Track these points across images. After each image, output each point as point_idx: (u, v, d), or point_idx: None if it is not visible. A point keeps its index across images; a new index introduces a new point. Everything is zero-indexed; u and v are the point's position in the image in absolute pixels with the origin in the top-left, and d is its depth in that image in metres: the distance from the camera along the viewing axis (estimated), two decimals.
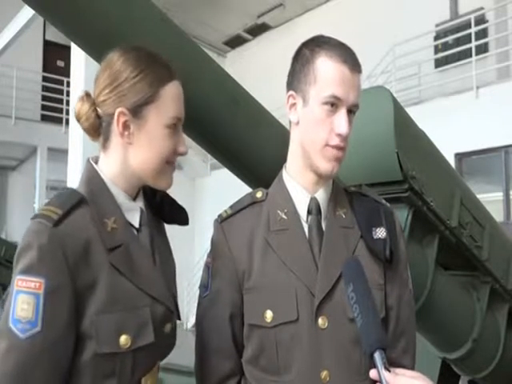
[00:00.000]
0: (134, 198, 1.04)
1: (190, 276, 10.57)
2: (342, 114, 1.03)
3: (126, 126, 0.98)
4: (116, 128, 0.98)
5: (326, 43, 1.06)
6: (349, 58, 1.04)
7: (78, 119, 1.01)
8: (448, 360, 2.02)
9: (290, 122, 1.12)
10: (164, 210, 1.12)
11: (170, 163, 1.03)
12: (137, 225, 1.02)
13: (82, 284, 0.90)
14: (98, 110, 0.99)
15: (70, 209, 0.92)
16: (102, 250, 0.93)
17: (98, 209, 0.96)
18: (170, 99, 1.00)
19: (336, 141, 1.03)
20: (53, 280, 0.87)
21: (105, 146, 1.02)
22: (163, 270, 1.04)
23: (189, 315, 10.30)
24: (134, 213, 1.02)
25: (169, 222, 1.15)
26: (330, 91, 1.02)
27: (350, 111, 1.05)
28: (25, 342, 0.85)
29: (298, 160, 1.11)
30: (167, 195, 1.13)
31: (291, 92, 1.09)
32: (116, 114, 0.97)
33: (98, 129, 1.01)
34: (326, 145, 1.04)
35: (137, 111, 0.98)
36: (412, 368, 1.10)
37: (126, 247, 0.96)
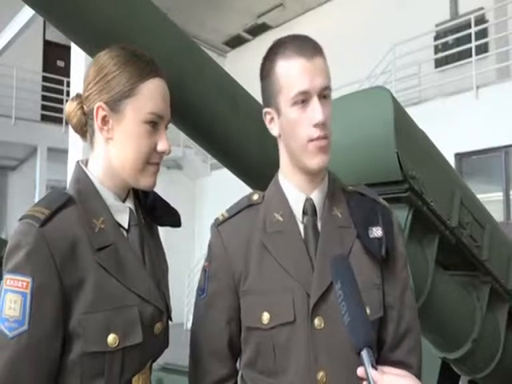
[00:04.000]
0: (124, 199, 1.04)
1: (190, 276, 10.57)
2: (313, 103, 1.01)
3: (104, 121, 0.99)
4: (96, 123, 0.99)
5: (280, 46, 1.05)
6: (304, 47, 1.02)
7: (68, 117, 1.02)
8: (448, 360, 2.02)
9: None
10: (156, 212, 1.12)
11: (152, 164, 1.02)
12: (126, 225, 1.02)
13: (69, 283, 0.90)
14: (84, 107, 1.01)
15: (57, 209, 0.92)
16: (89, 250, 0.93)
17: (86, 209, 0.96)
18: (150, 95, 0.99)
19: (317, 132, 1.01)
20: (39, 279, 0.87)
21: (91, 142, 1.03)
22: (153, 270, 1.04)
23: (189, 315, 10.30)
24: (123, 213, 1.02)
25: (161, 224, 1.15)
26: (296, 90, 1.00)
27: (324, 97, 1.03)
28: (12, 341, 0.85)
29: (289, 166, 1.10)
30: (160, 197, 1.13)
31: (266, 109, 1.09)
32: (95, 109, 0.98)
33: (84, 126, 1.02)
34: (309, 140, 1.02)
35: (115, 105, 0.98)
36: (418, 367, 1.10)
37: (114, 247, 0.96)
